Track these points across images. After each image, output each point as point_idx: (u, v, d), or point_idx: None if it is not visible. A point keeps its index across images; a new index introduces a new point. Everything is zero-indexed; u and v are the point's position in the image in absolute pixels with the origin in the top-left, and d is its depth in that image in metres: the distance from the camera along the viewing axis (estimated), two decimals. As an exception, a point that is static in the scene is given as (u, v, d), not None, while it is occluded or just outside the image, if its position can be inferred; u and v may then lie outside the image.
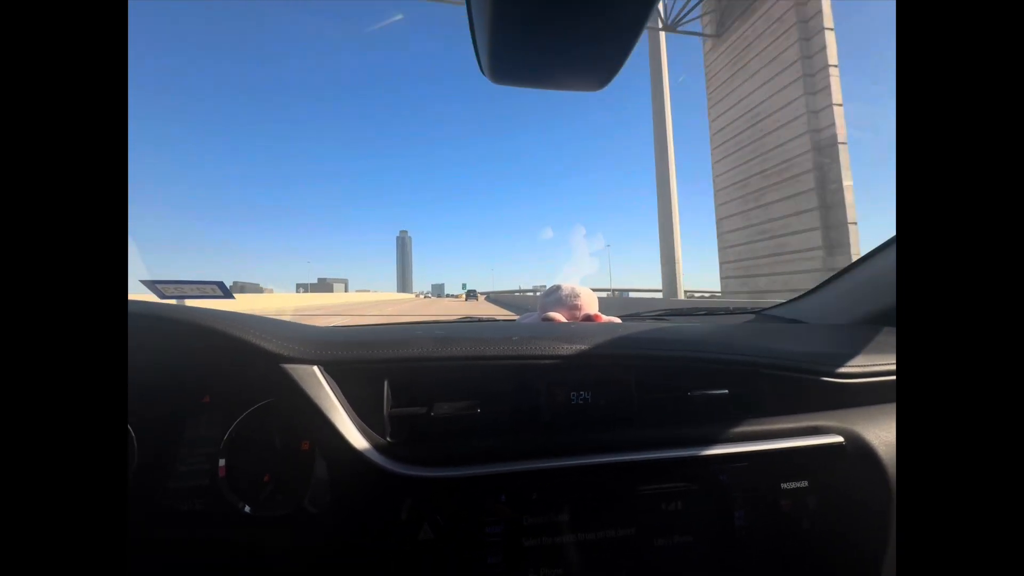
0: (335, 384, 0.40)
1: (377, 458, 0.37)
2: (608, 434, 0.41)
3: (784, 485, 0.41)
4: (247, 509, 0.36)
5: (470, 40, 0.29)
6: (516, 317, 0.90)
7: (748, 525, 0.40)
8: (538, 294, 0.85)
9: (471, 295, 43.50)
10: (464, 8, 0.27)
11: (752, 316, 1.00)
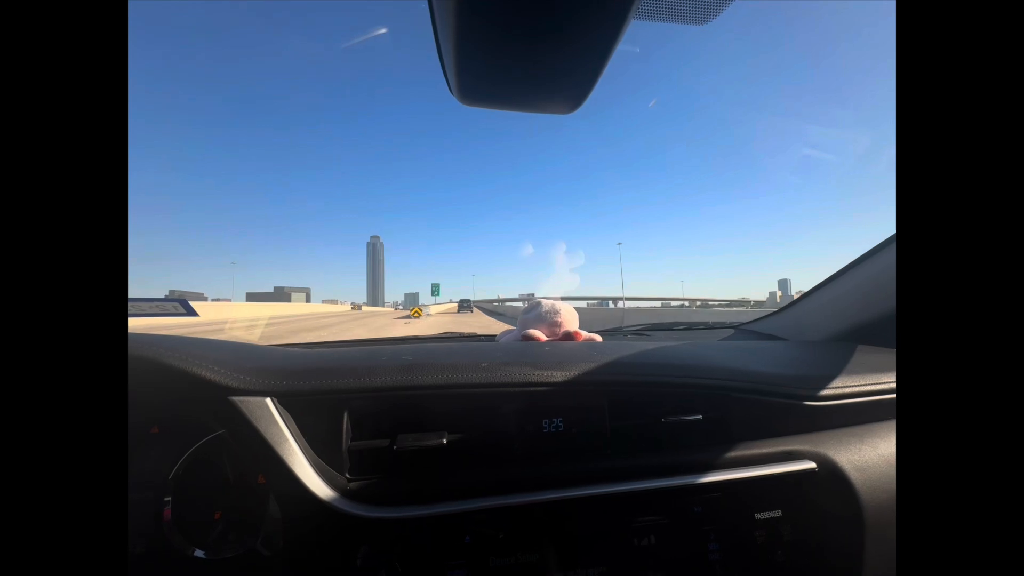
0: (289, 417, 0.40)
1: (333, 500, 0.37)
2: (580, 464, 0.43)
3: (758, 515, 0.43)
4: (196, 553, 0.36)
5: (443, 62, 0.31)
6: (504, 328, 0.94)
7: (722, 559, 0.42)
8: (538, 298, 0.86)
9: (464, 306, 37.00)
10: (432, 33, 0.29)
11: (732, 331, 1.07)
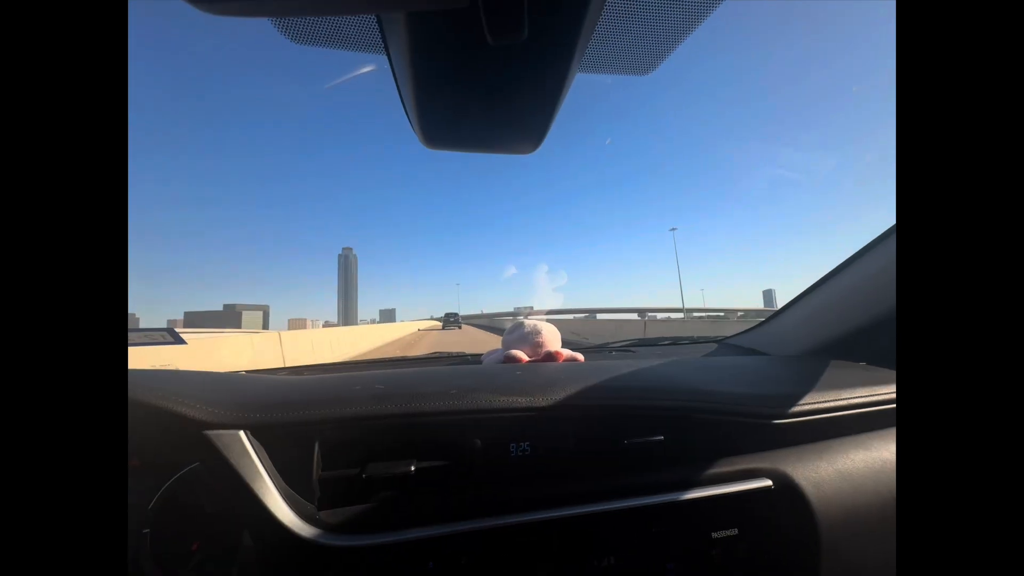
0: (262, 449, 0.42)
1: (301, 529, 0.39)
2: (546, 488, 0.45)
3: (715, 534, 0.45)
4: None
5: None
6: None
7: None
8: (520, 318, 0.89)
9: (451, 321, 33.95)
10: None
11: (715, 346, 1.13)
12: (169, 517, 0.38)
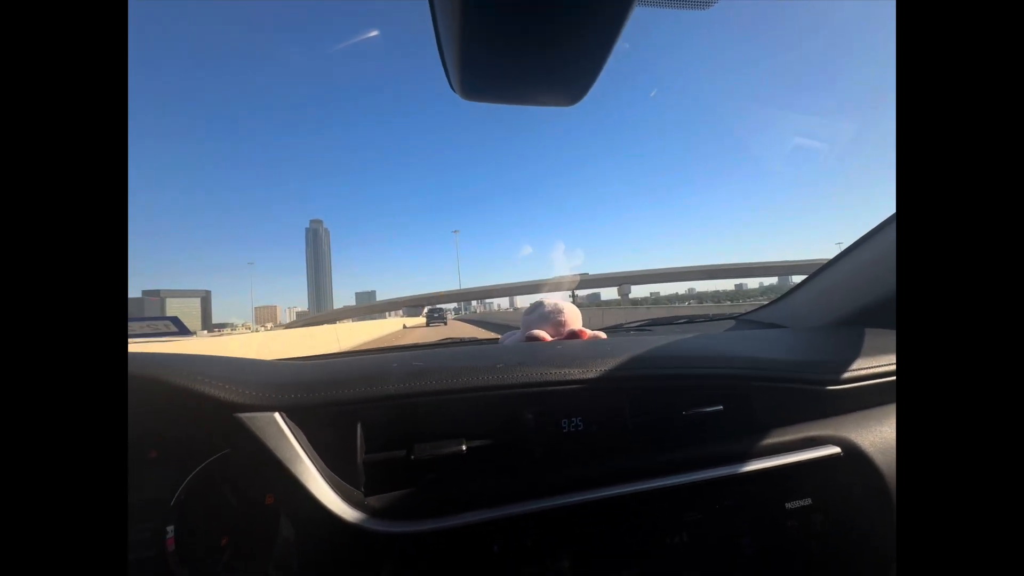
0: (300, 432, 0.42)
1: (350, 515, 0.39)
2: (603, 463, 0.47)
3: (788, 505, 0.48)
4: None
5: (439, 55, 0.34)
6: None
7: (756, 553, 0.47)
8: (540, 297, 0.96)
9: (435, 317, 34.37)
10: (431, 26, 0.32)
11: (732, 323, 1.19)
12: (194, 511, 0.38)
